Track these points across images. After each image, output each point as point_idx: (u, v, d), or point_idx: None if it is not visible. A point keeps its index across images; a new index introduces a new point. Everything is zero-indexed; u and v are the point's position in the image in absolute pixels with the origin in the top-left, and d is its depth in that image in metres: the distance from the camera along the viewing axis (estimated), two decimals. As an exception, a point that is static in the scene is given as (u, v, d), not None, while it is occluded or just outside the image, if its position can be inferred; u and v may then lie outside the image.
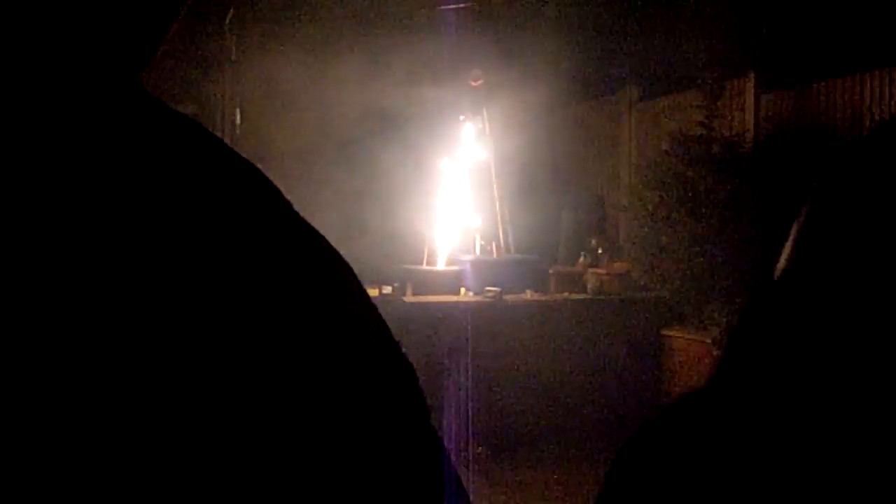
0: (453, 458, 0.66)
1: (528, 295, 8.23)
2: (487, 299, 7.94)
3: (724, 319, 7.31)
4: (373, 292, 7.50)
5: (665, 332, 8.09)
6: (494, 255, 9.03)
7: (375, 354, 0.60)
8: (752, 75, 8.27)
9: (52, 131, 0.54)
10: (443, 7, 9.13)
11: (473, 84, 9.41)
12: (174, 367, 0.51)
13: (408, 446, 0.59)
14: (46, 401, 0.49)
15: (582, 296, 8.37)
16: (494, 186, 9.33)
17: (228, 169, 0.60)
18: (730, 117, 8.34)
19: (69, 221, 0.52)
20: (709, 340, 7.43)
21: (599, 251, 8.95)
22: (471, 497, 0.64)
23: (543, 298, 8.24)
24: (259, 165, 0.62)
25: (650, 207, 8.30)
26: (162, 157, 0.57)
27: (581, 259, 8.90)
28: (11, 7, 0.55)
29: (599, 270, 8.55)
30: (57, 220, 0.52)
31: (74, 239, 0.52)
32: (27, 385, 0.49)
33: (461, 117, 9.20)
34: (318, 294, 0.59)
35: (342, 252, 0.63)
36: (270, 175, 0.63)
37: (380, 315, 0.63)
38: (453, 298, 8.07)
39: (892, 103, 7.01)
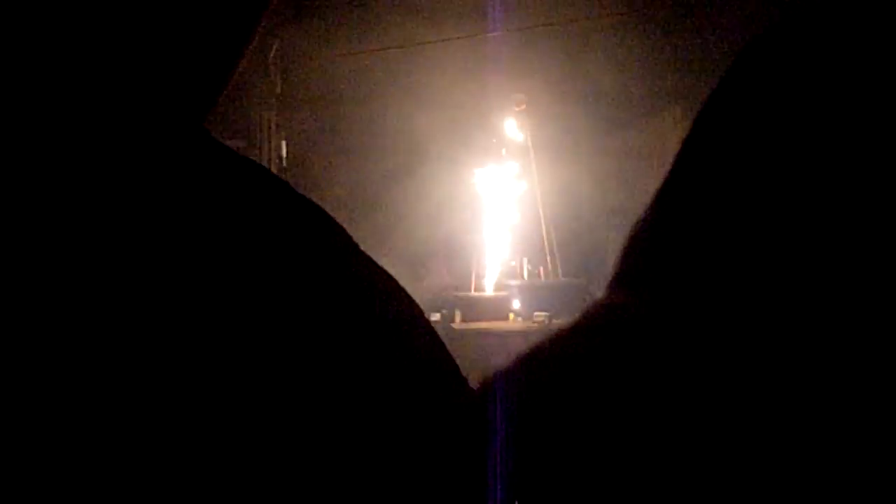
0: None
1: (578, 319, 8.18)
2: (536, 324, 7.91)
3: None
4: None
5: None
6: (542, 279, 9.00)
7: (434, 385, 0.62)
8: (677, 109, 8.20)
9: (119, 182, 0.54)
10: (488, 34, 9.18)
11: (517, 108, 9.43)
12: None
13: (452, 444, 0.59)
14: (47, 399, 0.49)
15: (632, 318, 8.30)
16: (541, 210, 9.30)
17: (296, 212, 0.61)
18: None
19: (135, 270, 0.52)
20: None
21: (648, 273, 8.88)
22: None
23: (593, 322, 8.17)
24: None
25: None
26: (231, 206, 0.57)
27: (630, 281, 8.83)
28: (83, 51, 0.56)
29: (649, 292, 8.49)
30: (126, 268, 0.52)
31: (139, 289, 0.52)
32: (27, 383, 0.49)
33: (493, 140, 9.22)
34: (373, 325, 0.59)
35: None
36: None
37: (439, 340, 0.64)
38: (502, 325, 8.05)
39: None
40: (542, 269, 9.14)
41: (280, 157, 9.14)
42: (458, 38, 9.24)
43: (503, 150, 9.36)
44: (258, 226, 0.58)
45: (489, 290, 8.79)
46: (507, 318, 8.19)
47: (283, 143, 9.23)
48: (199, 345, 0.52)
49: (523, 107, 9.44)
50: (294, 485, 0.52)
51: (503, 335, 7.78)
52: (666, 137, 10.09)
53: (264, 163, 8.60)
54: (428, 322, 0.64)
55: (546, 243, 9.26)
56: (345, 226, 0.62)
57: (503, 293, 8.58)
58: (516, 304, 8.27)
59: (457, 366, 0.65)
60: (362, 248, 0.63)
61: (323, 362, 0.55)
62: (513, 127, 9.37)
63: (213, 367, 0.52)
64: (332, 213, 0.63)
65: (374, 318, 0.59)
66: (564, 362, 0.58)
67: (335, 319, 0.56)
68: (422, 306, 0.66)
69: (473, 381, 0.66)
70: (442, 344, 0.65)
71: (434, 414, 0.60)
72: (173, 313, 0.52)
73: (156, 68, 0.58)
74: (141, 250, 0.53)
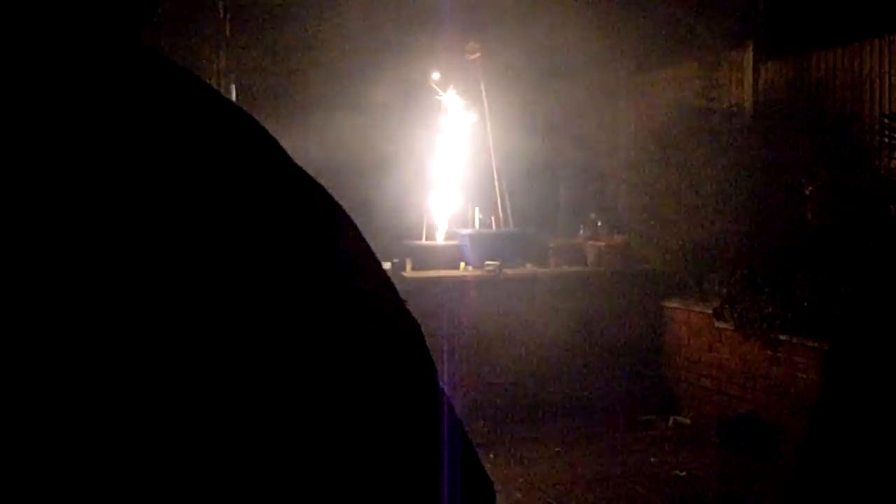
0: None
1: (528, 268, 8.23)
2: (487, 273, 7.95)
3: (725, 290, 7.32)
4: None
5: (665, 303, 8.11)
6: (493, 229, 9.03)
7: (379, 311, 0.61)
8: (750, 45, 8.23)
9: (63, 78, 0.55)
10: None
11: (470, 57, 9.37)
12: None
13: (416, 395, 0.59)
14: (47, 398, 0.49)
15: (581, 268, 8.37)
16: (493, 160, 9.30)
17: (226, 114, 0.61)
18: (729, 88, 8.31)
19: (66, 160, 0.53)
20: (709, 311, 7.45)
21: (598, 224, 8.95)
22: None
23: (543, 271, 8.24)
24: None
25: (649, 179, 8.29)
26: (162, 100, 0.58)
27: (580, 232, 8.90)
28: None
29: (599, 243, 8.56)
30: (54, 157, 0.52)
31: (69, 181, 0.52)
32: (28, 381, 0.49)
33: (438, 94, 9.17)
34: (317, 241, 0.59)
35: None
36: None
37: (382, 268, 0.64)
38: (453, 273, 8.08)
39: (892, 73, 6.99)
40: (493, 218, 9.17)
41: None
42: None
43: (448, 100, 9.31)
44: (198, 132, 0.58)
45: (440, 240, 8.80)
46: (457, 267, 8.21)
47: (233, 87, 9.09)
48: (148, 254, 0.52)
49: (477, 55, 9.37)
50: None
51: (453, 283, 7.82)
52: (618, 89, 10.11)
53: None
54: (357, 231, 0.65)
55: (497, 193, 9.28)
56: None
57: (454, 242, 8.59)
58: (467, 253, 8.29)
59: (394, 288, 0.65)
60: None
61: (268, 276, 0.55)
62: (465, 76, 9.31)
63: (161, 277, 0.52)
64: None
65: (303, 231, 0.59)
66: None
67: (261, 233, 0.56)
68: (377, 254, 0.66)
69: (423, 327, 0.67)
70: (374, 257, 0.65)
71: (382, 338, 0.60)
72: (117, 224, 0.52)
73: None
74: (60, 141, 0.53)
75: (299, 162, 0.63)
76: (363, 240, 0.63)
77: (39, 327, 0.49)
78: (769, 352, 6.88)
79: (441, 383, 0.63)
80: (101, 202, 0.52)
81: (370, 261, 0.63)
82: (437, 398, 0.61)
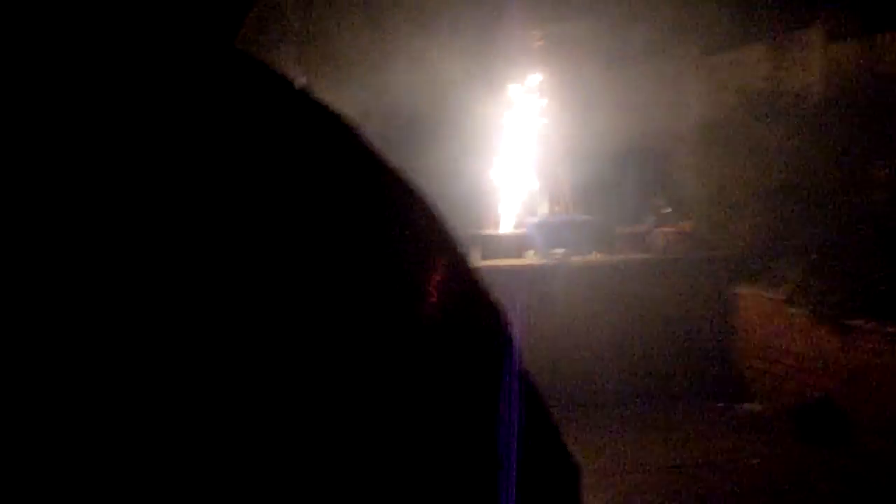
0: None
1: (594, 256, 8.20)
2: (553, 261, 7.94)
3: (797, 275, 7.21)
4: (439, 258, 7.54)
5: (735, 290, 8.01)
6: (560, 217, 9.01)
7: (463, 287, 0.65)
8: (818, 26, 8.07)
9: (165, 81, 0.58)
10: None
11: (536, 45, 9.35)
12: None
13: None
14: (48, 398, 0.50)
15: (649, 256, 8.32)
16: (558, 148, 9.28)
17: (316, 114, 0.64)
18: (796, 70, 8.17)
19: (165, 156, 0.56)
20: (780, 297, 7.35)
21: (665, 210, 8.88)
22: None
23: (609, 259, 8.20)
24: None
25: (717, 164, 8.20)
26: (259, 101, 0.61)
27: (647, 219, 8.84)
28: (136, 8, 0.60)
29: (666, 229, 8.49)
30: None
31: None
32: (29, 380, 0.50)
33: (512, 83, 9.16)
34: (409, 236, 0.63)
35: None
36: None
37: (465, 253, 0.68)
38: (520, 262, 8.09)
39: (967, 49, 6.80)
40: (559, 207, 9.15)
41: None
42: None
43: (521, 89, 9.30)
44: (285, 128, 0.61)
45: (507, 228, 8.82)
46: (524, 255, 8.22)
47: (304, 79, 9.20)
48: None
49: (540, 42, 9.35)
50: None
51: (519, 272, 7.83)
52: (683, 73, 9.99)
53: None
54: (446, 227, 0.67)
55: (563, 180, 9.25)
56: None
57: (521, 231, 8.60)
58: (534, 242, 8.29)
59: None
60: None
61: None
62: (531, 62, 9.29)
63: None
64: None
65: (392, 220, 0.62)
66: None
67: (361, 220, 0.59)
68: None
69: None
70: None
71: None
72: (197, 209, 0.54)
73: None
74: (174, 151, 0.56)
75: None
76: (453, 234, 0.66)
77: (53, 323, 0.50)
78: (842, 337, 6.76)
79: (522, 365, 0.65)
80: (192, 199, 0.54)
81: (458, 250, 0.66)
82: (511, 377, 0.63)
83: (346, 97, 9.56)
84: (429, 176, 8.42)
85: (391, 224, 0.61)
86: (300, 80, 8.95)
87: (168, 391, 0.51)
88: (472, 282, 0.65)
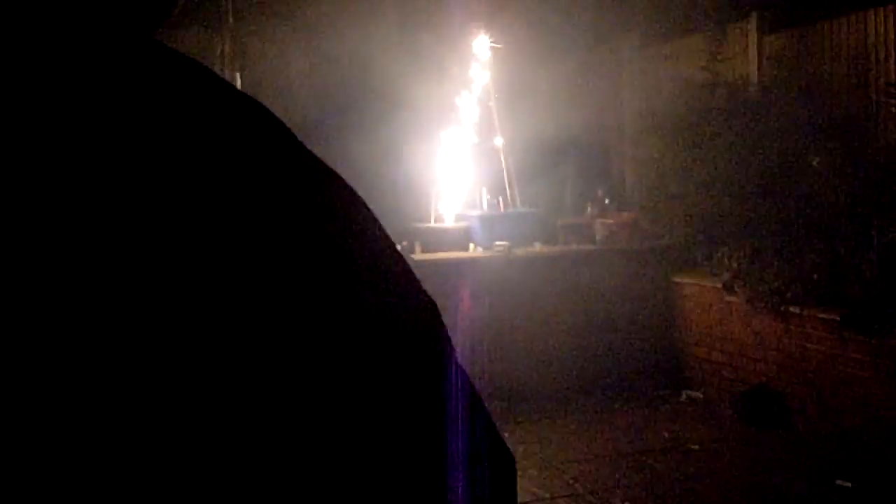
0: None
1: (537, 248, 8.24)
2: (496, 254, 7.96)
3: (735, 264, 7.32)
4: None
5: (675, 279, 8.12)
6: (501, 210, 9.03)
7: (393, 285, 0.62)
8: (754, 17, 8.19)
9: (75, 71, 0.56)
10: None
11: (473, 39, 9.34)
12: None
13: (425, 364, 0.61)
14: (48, 398, 0.49)
15: (591, 246, 8.38)
16: (500, 140, 9.30)
17: (237, 103, 0.62)
18: (733, 61, 8.28)
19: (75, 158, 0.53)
20: (720, 285, 7.46)
21: (606, 201, 8.95)
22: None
23: (552, 250, 8.25)
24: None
25: (656, 155, 8.28)
26: (174, 95, 0.59)
27: (588, 210, 8.90)
28: None
29: (607, 220, 8.56)
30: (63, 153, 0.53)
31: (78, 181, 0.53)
32: (29, 380, 0.49)
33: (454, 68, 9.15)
34: (335, 226, 0.61)
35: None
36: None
37: (395, 247, 0.66)
38: (463, 254, 8.09)
39: (897, 39, 6.95)
40: (500, 199, 9.17)
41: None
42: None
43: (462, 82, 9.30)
44: (208, 124, 0.59)
45: (449, 222, 8.81)
46: (467, 248, 8.22)
47: (237, 75, 9.09)
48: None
49: (482, 33, 9.35)
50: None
51: (462, 264, 7.83)
52: (622, 64, 10.08)
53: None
54: (372, 216, 0.66)
55: (505, 173, 9.28)
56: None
57: (463, 224, 8.61)
58: (476, 235, 8.30)
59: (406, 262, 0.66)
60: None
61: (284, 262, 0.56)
62: (475, 57, 9.29)
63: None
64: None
65: (317, 218, 0.60)
66: None
67: (274, 219, 0.57)
68: None
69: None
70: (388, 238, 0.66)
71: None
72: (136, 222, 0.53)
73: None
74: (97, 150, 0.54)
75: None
76: (381, 226, 0.64)
77: (41, 328, 0.49)
78: (780, 324, 6.88)
79: (457, 358, 0.65)
80: (106, 200, 0.52)
81: (387, 244, 0.64)
82: (450, 372, 0.62)
83: (282, 78, 9.48)
84: (367, 165, 8.39)
85: (321, 221, 0.60)
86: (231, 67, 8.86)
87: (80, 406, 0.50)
88: (406, 276, 0.63)
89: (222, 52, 8.94)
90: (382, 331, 0.59)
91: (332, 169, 0.64)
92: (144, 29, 0.64)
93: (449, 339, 0.64)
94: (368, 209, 0.65)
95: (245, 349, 0.53)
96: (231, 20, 9.11)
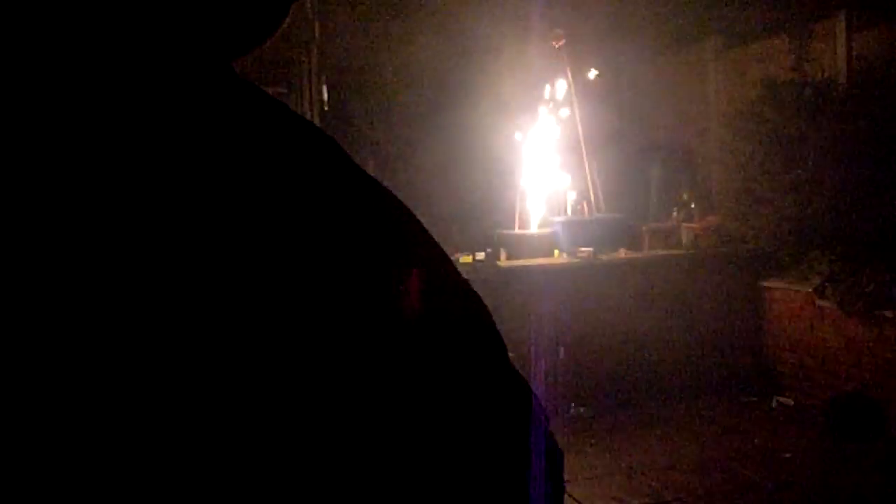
0: (550, 418, 0.68)
1: (622, 253, 8.19)
2: (581, 260, 7.94)
3: (825, 268, 7.17)
4: (467, 259, 7.56)
5: (764, 283, 7.98)
6: (586, 215, 9.00)
7: (454, 311, 0.62)
8: (842, 14, 8.01)
9: (145, 114, 0.57)
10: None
11: (555, 44, 9.35)
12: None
13: (490, 393, 0.61)
14: (48, 399, 0.50)
15: (676, 251, 8.29)
16: (582, 146, 9.27)
17: (308, 146, 0.63)
18: (821, 60, 8.11)
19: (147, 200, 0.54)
20: (810, 289, 7.31)
21: (692, 205, 8.84)
22: (573, 457, 0.67)
23: (637, 256, 8.19)
24: (347, 139, 0.64)
25: (742, 158, 8.16)
26: (245, 137, 0.60)
27: (674, 214, 8.81)
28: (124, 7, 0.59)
29: (693, 225, 8.46)
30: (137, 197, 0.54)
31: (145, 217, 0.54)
32: (29, 382, 0.49)
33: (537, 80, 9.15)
34: (389, 264, 0.61)
35: (437, 220, 0.65)
36: (361, 149, 0.65)
37: (460, 276, 0.65)
38: (547, 261, 8.09)
39: None
40: (584, 204, 9.14)
41: (322, 101, 9.18)
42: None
43: (546, 91, 9.31)
44: (278, 166, 0.59)
45: (533, 228, 8.82)
46: (552, 254, 8.22)
47: (324, 88, 9.25)
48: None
49: (562, 42, 9.35)
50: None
51: (547, 271, 7.83)
52: (707, 66, 9.95)
53: (306, 107, 8.64)
54: (439, 252, 0.65)
55: (589, 178, 9.25)
56: (382, 173, 0.64)
57: (547, 230, 8.60)
58: (560, 241, 8.29)
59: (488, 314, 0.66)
60: (402, 195, 0.66)
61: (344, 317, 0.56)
62: (552, 62, 9.29)
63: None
64: (369, 159, 0.65)
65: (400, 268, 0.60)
66: None
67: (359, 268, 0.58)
68: (469, 245, 0.67)
69: (515, 321, 0.68)
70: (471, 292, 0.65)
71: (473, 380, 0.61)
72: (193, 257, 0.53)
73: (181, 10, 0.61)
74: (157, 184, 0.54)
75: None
76: (439, 248, 0.65)
77: (44, 327, 0.50)
78: (874, 329, 6.71)
79: (514, 368, 0.64)
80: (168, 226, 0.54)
81: (447, 267, 0.64)
82: (509, 382, 0.62)
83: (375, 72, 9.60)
84: (454, 178, 8.46)
85: (373, 243, 0.60)
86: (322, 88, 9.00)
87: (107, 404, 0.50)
88: (468, 301, 0.63)
89: (308, 65, 9.10)
90: (438, 360, 0.59)
91: (391, 195, 0.64)
92: (225, 56, 0.64)
93: (503, 348, 0.64)
94: (430, 238, 0.64)
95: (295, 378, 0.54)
96: (317, 33, 9.27)
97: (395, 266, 0.59)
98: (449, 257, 0.66)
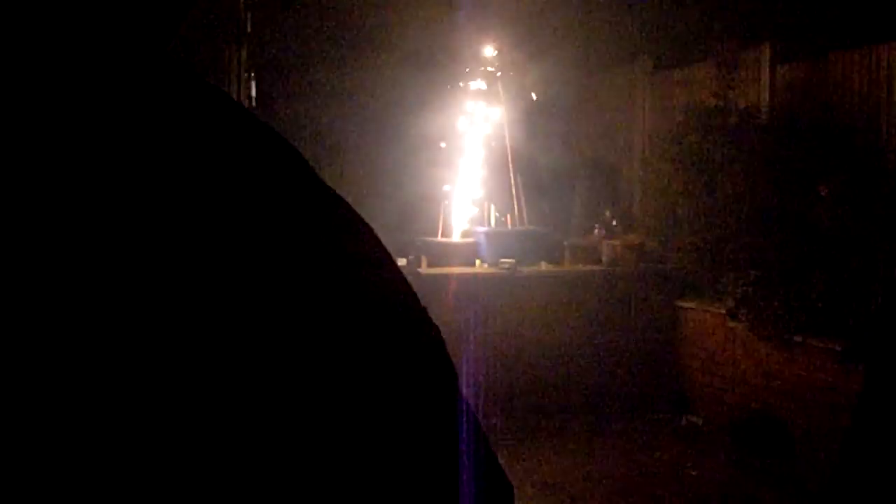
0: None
1: (543, 266, 8.25)
2: (502, 271, 7.98)
3: (739, 290, 7.33)
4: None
5: (680, 303, 8.12)
6: (509, 227, 9.05)
7: (401, 318, 0.62)
8: (767, 46, 8.22)
9: (88, 92, 0.56)
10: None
11: (489, 54, 9.40)
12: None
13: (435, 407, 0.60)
14: (48, 399, 0.49)
15: (596, 267, 8.39)
16: (509, 160, 9.33)
17: (249, 131, 0.62)
18: (745, 89, 8.30)
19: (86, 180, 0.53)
20: (723, 311, 7.46)
21: (614, 223, 8.97)
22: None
23: (558, 270, 8.26)
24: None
25: (665, 179, 8.30)
26: (185, 115, 0.59)
27: (595, 231, 8.92)
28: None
29: (614, 242, 8.57)
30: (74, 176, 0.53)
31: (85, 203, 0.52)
32: (29, 382, 0.49)
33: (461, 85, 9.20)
34: (340, 257, 0.60)
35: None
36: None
37: (403, 276, 0.65)
38: (469, 270, 8.11)
39: (909, 73, 6.97)
40: (508, 216, 9.19)
41: (250, 97, 9.08)
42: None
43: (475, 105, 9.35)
44: (219, 148, 0.58)
45: (456, 237, 8.84)
46: (473, 264, 8.24)
47: (253, 84, 9.14)
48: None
49: (495, 52, 9.41)
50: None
51: (468, 280, 7.85)
52: (634, 88, 10.11)
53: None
54: (381, 245, 0.65)
55: (513, 191, 9.31)
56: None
57: (470, 240, 8.63)
58: (483, 251, 8.32)
59: (416, 297, 0.66)
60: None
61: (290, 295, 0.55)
62: (483, 78, 9.35)
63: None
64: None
65: (338, 251, 0.60)
66: None
67: (283, 251, 0.56)
68: (392, 252, 0.66)
69: (436, 323, 0.67)
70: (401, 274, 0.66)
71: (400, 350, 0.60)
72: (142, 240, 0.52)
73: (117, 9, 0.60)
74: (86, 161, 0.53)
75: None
76: (384, 249, 0.64)
77: (40, 328, 0.50)
78: (784, 352, 6.88)
79: (462, 389, 0.63)
80: (108, 208, 0.53)
81: (391, 268, 0.64)
82: (457, 404, 0.61)
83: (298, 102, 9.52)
84: (376, 185, 8.45)
85: (332, 244, 0.60)
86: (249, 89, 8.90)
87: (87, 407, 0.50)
88: (413, 305, 0.63)
89: (239, 60, 8.99)
90: (394, 359, 0.58)
91: (339, 196, 0.64)
92: (156, 42, 0.63)
93: (454, 372, 0.63)
94: (376, 237, 0.64)
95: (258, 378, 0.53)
96: (249, 28, 9.16)
97: (329, 243, 0.59)
98: (400, 271, 0.65)
